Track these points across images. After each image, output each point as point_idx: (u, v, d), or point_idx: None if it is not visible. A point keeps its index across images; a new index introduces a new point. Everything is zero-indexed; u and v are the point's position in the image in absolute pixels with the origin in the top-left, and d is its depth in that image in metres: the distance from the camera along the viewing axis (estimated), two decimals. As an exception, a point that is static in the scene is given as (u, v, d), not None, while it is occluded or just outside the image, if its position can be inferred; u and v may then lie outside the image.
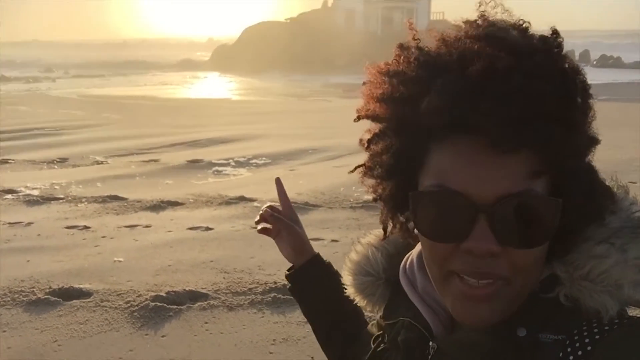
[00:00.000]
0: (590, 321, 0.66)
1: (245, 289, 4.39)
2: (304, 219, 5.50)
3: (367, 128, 0.78)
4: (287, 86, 31.55)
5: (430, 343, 0.78)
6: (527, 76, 0.62)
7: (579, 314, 0.67)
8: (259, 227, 1.26)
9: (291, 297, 4.49)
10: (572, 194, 0.66)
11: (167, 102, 22.92)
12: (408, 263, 0.85)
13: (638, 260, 0.67)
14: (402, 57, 0.73)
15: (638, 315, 0.69)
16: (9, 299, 4.28)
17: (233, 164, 9.42)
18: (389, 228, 0.83)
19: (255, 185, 7.71)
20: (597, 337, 0.65)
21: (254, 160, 9.65)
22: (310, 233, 5.11)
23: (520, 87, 0.61)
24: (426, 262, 0.74)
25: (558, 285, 0.69)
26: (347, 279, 0.93)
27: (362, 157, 0.79)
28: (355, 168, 0.80)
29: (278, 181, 1.31)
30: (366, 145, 0.77)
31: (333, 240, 5.45)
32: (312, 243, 5.05)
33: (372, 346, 0.92)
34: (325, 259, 1.25)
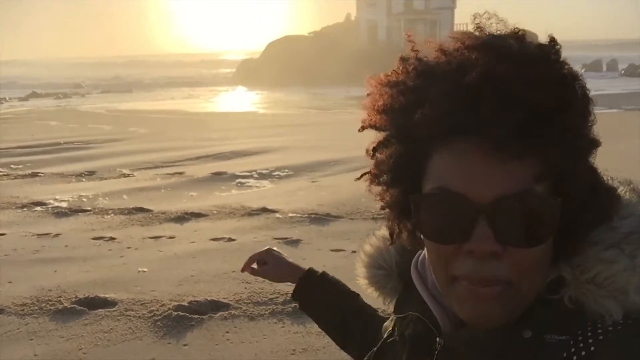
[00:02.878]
0: (594, 322, 0.67)
1: (267, 299, 4.43)
2: (325, 230, 5.56)
3: (374, 138, 0.79)
4: (310, 99, 31.74)
5: (437, 339, 0.78)
6: (526, 83, 0.63)
7: (584, 316, 0.68)
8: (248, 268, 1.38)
9: (312, 307, 4.44)
10: (573, 195, 0.67)
11: (192, 115, 23.28)
12: (420, 258, 0.86)
13: None
14: (401, 68, 0.74)
15: None
16: (36, 307, 4.39)
17: (256, 176, 9.51)
18: (396, 234, 0.84)
19: (277, 197, 7.77)
20: (600, 337, 0.65)
21: (276, 172, 9.73)
22: (331, 244, 5.20)
23: (519, 94, 0.62)
24: (432, 266, 0.75)
25: (563, 288, 0.70)
26: (360, 270, 0.95)
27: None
28: (362, 175, 0.81)
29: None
30: (372, 153, 0.78)
31: (354, 252, 5.43)
32: (333, 254, 5.10)
33: (383, 337, 0.93)
34: (318, 270, 1.32)
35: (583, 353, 0.65)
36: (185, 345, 3.80)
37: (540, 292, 0.70)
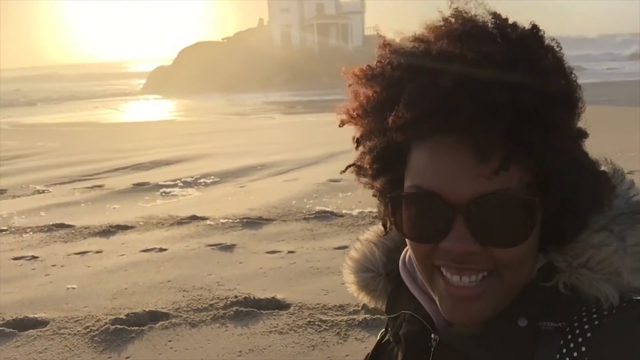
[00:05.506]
0: (589, 307, 0.67)
1: (207, 305, 4.40)
2: (258, 233, 5.60)
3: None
4: (228, 105, 31.43)
5: (432, 335, 0.77)
6: (507, 87, 0.61)
7: (579, 301, 0.67)
8: None
9: (253, 309, 4.56)
10: (557, 191, 0.66)
11: (105, 127, 22.38)
12: (407, 256, 0.84)
13: (637, 247, 0.67)
14: (377, 63, 0.72)
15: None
16: (-41, 334, 4.12)
17: (181, 184, 9.34)
18: (388, 223, 0.82)
19: (206, 204, 7.68)
20: (596, 322, 0.65)
21: (202, 180, 9.60)
22: (266, 246, 5.29)
23: (500, 99, 0.60)
24: (414, 260, 0.75)
25: (557, 274, 0.69)
26: (348, 277, 0.92)
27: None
28: (347, 168, 0.81)
29: None
30: (356, 144, 0.77)
31: (290, 252, 5.53)
32: (270, 256, 5.18)
33: (377, 338, 0.92)
34: None
35: (580, 339, 0.65)
36: (127, 357, 3.71)
37: (532, 280, 0.70)
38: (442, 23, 0.69)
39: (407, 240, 0.73)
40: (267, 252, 5.55)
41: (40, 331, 4.11)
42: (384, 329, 0.92)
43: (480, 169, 0.62)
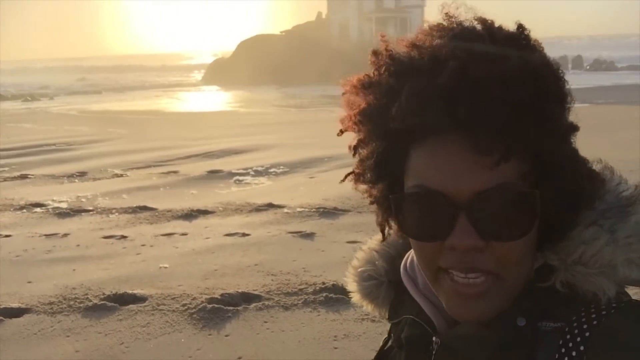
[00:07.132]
0: (588, 307, 0.67)
1: (296, 290, 4.49)
2: (336, 223, 5.71)
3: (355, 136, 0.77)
4: (287, 98, 31.76)
5: (434, 338, 0.78)
6: (502, 82, 0.62)
7: (577, 300, 0.68)
8: None
9: (343, 296, 4.63)
10: (554, 184, 0.67)
11: (170, 116, 23.06)
12: (409, 261, 0.85)
13: (628, 239, 0.68)
14: (373, 69, 0.74)
15: (637, 294, 0.71)
16: (64, 305, 4.37)
17: (253, 173, 9.54)
18: (387, 230, 0.83)
19: (280, 193, 7.82)
20: (594, 322, 0.66)
21: (272, 169, 9.77)
22: (345, 236, 5.38)
23: (496, 94, 0.62)
24: (419, 263, 0.76)
25: (553, 273, 0.70)
26: (351, 286, 0.93)
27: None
28: (346, 176, 0.80)
29: None
30: (353, 152, 0.77)
31: (371, 242, 5.55)
32: (350, 246, 5.29)
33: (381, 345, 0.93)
34: None
35: (578, 339, 0.65)
36: (227, 335, 3.84)
37: (530, 280, 0.71)
38: (433, 28, 0.72)
39: (411, 241, 0.74)
40: (348, 242, 5.59)
41: (140, 306, 4.30)
42: (387, 335, 0.92)
43: (482, 162, 0.63)
